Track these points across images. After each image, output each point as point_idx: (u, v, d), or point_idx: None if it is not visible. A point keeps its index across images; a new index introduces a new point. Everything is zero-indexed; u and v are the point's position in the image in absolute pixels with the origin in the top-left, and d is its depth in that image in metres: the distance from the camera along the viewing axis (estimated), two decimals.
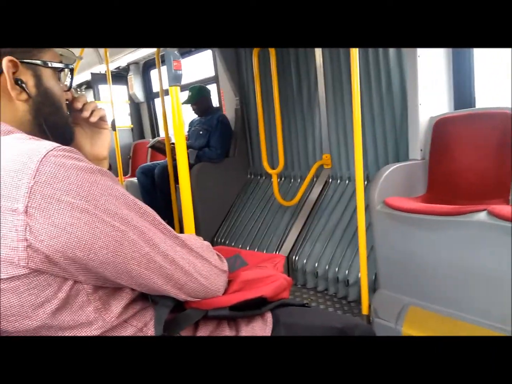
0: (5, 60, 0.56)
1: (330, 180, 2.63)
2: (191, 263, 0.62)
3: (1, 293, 0.48)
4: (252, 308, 0.71)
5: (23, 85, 0.59)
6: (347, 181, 2.52)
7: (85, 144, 0.77)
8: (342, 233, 2.30)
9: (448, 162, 1.87)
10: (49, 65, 0.63)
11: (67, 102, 0.71)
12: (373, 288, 1.91)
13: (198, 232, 1.07)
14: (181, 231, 2.54)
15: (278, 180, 2.83)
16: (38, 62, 0.61)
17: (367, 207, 1.77)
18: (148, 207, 0.58)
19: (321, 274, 2.25)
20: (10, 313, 0.49)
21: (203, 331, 0.67)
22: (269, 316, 0.75)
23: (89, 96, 4.64)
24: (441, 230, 1.45)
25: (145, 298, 0.63)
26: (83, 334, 0.54)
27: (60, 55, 0.67)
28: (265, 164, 2.70)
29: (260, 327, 0.72)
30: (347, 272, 2.11)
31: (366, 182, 2.30)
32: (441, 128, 1.90)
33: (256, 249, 2.62)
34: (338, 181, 2.57)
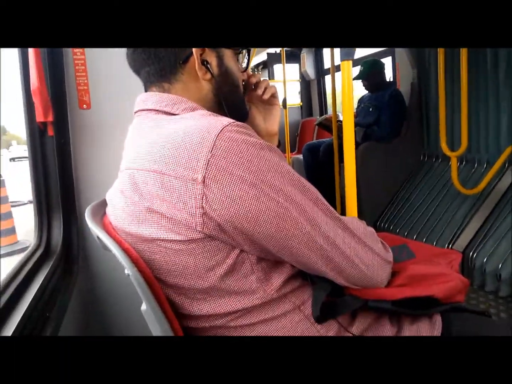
0: None
1: None
2: (353, 249, 0.58)
3: (180, 253, 0.54)
4: (419, 307, 0.64)
5: (208, 65, 0.64)
6: None
7: (259, 120, 0.81)
8: None
9: None
10: None
11: (244, 82, 0.75)
12: None
13: (360, 215, 1.02)
14: (343, 212, 2.50)
15: (458, 164, 2.48)
16: None
17: None
18: (312, 186, 0.57)
19: (505, 277, 1.90)
20: (187, 272, 0.55)
21: (361, 322, 0.63)
22: (438, 319, 0.66)
23: (265, 75, 4.94)
24: None
25: (304, 276, 0.62)
26: (246, 301, 0.57)
27: None
28: (444, 145, 2.40)
29: (427, 330, 0.64)
30: None
31: None
32: None
33: (424, 240, 2.38)
34: None
